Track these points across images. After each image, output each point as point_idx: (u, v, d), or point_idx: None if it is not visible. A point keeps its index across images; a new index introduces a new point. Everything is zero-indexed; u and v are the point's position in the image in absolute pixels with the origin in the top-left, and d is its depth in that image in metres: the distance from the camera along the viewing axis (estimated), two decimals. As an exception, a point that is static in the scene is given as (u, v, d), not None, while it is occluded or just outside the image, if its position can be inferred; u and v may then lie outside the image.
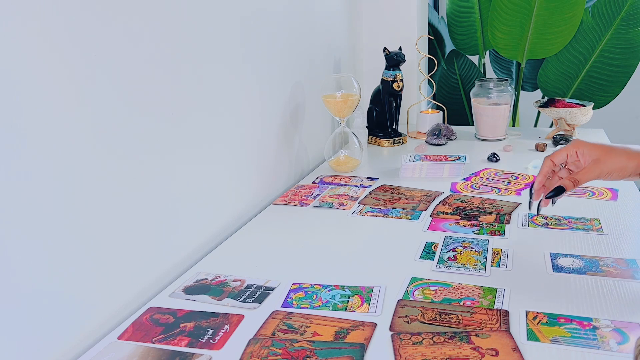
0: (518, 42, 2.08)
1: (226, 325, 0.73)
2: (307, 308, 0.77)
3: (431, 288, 0.81)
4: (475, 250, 0.92)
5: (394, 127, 1.66)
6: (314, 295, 0.80)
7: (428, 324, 0.72)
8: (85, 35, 0.70)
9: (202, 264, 0.92)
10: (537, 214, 0.91)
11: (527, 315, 0.73)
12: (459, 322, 0.72)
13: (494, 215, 1.07)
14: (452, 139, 1.67)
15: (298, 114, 1.38)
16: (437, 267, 0.87)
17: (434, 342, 0.67)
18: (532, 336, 0.68)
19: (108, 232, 0.75)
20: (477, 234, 0.99)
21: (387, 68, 1.59)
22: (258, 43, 1.15)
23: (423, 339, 0.68)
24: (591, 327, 0.70)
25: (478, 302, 0.77)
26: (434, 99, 2.13)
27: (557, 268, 0.86)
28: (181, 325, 0.74)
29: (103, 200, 0.74)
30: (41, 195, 0.64)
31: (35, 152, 0.63)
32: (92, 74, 0.71)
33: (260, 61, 1.17)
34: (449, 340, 0.68)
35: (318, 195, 1.23)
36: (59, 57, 0.66)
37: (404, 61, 1.58)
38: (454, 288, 0.81)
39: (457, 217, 1.07)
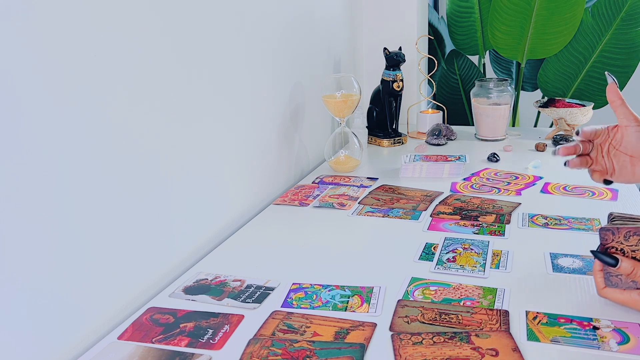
0: (518, 42, 2.08)
1: (226, 326, 0.73)
2: (307, 308, 0.77)
3: (431, 288, 0.81)
4: (475, 252, 0.92)
5: (394, 127, 1.66)
6: (314, 296, 0.80)
7: (428, 324, 0.72)
8: (86, 36, 0.70)
9: (202, 264, 0.92)
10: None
11: (527, 315, 0.73)
12: (459, 322, 0.72)
13: (494, 216, 1.07)
14: (452, 139, 1.67)
15: (298, 114, 1.38)
16: (436, 268, 0.87)
17: (434, 342, 0.67)
18: (532, 336, 0.68)
19: (108, 232, 0.76)
20: (477, 234, 0.99)
21: (387, 68, 1.59)
22: (258, 43, 1.15)
23: (423, 339, 0.68)
24: (591, 327, 0.70)
25: (478, 302, 0.77)
26: (434, 99, 2.13)
27: (557, 268, 0.86)
28: (181, 326, 0.74)
29: (103, 200, 0.74)
30: (41, 195, 0.64)
31: (36, 153, 0.63)
32: (92, 74, 0.71)
33: (260, 62, 1.17)
34: (449, 341, 0.68)
35: (318, 195, 1.23)
36: (59, 57, 0.66)
37: (404, 61, 1.58)
38: (454, 288, 0.81)
39: (457, 217, 1.07)
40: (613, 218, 0.74)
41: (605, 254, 0.72)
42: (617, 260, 0.70)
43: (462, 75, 2.30)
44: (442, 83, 2.33)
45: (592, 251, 0.73)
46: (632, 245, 0.71)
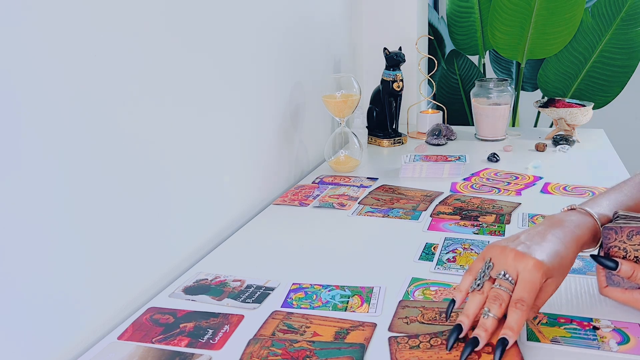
0: (518, 42, 2.07)
1: (226, 326, 0.73)
2: (307, 308, 0.77)
3: (431, 288, 0.81)
4: (476, 252, 0.92)
5: (394, 127, 1.66)
6: (314, 296, 0.80)
7: (428, 324, 0.72)
8: (86, 36, 0.70)
9: (202, 264, 0.92)
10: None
11: (527, 316, 0.73)
12: (459, 323, 0.72)
13: (494, 216, 1.07)
14: (452, 139, 1.67)
15: (298, 114, 1.38)
16: (436, 268, 0.87)
17: (431, 345, 0.67)
18: (532, 336, 0.68)
19: (108, 232, 0.76)
20: (477, 234, 0.99)
21: (387, 68, 1.59)
22: (258, 44, 1.15)
23: (420, 342, 0.68)
24: (591, 327, 0.70)
25: (478, 302, 0.77)
26: (434, 99, 2.13)
27: (557, 268, 0.86)
28: (181, 326, 0.74)
29: (103, 200, 0.74)
30: (41, 195, 0.64)
31: (36, 153, 0.63)
32: (92, 74, 0.71)
33: (260, 62, 1.17)
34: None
35: (318, 195, 1.23)
36: (59, 57, 0.66)
37: (404, 61, 1.58)
38: (454, 288, 0.81)
39: (457, 217, 1.07)
40: (617, 217, 0.74)
41: (605, 258, 0.71)
42: (617, 263, 0.70)
43: (462, 75, 2.29)
44: (442, 83, 2.33)
45: (591, 255, 0.73)
46: (635, 245, 0.70)
